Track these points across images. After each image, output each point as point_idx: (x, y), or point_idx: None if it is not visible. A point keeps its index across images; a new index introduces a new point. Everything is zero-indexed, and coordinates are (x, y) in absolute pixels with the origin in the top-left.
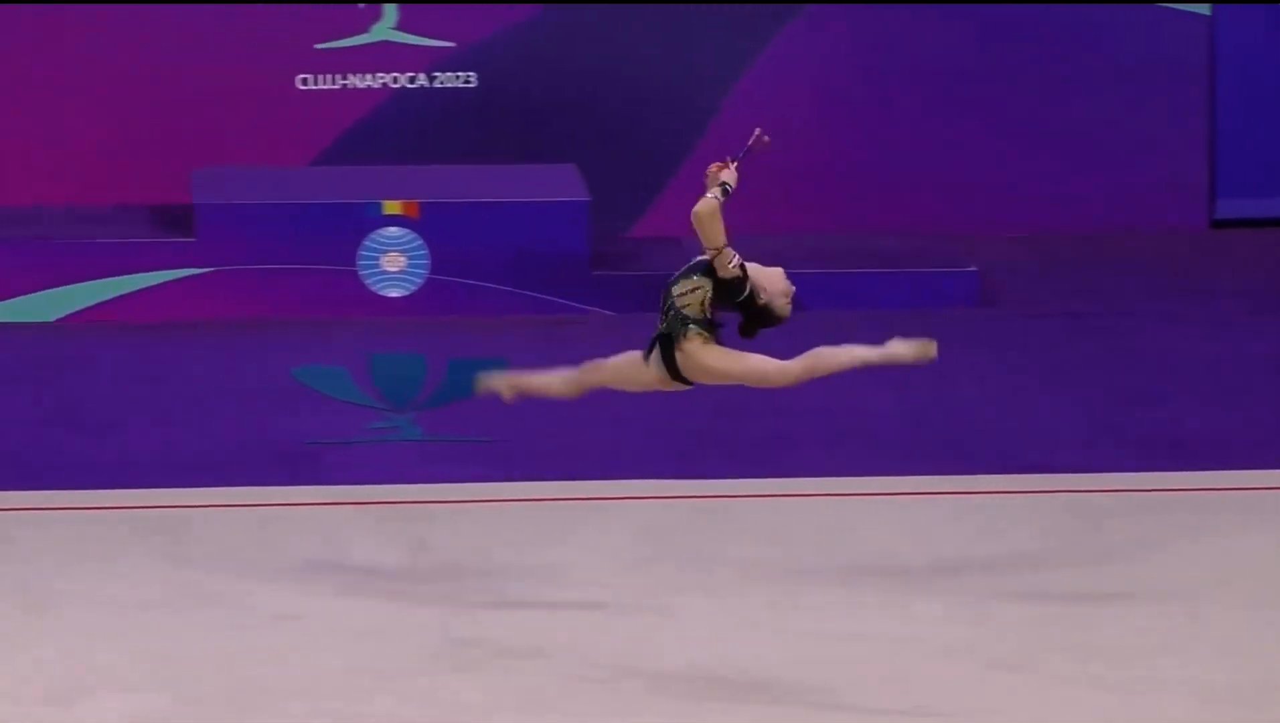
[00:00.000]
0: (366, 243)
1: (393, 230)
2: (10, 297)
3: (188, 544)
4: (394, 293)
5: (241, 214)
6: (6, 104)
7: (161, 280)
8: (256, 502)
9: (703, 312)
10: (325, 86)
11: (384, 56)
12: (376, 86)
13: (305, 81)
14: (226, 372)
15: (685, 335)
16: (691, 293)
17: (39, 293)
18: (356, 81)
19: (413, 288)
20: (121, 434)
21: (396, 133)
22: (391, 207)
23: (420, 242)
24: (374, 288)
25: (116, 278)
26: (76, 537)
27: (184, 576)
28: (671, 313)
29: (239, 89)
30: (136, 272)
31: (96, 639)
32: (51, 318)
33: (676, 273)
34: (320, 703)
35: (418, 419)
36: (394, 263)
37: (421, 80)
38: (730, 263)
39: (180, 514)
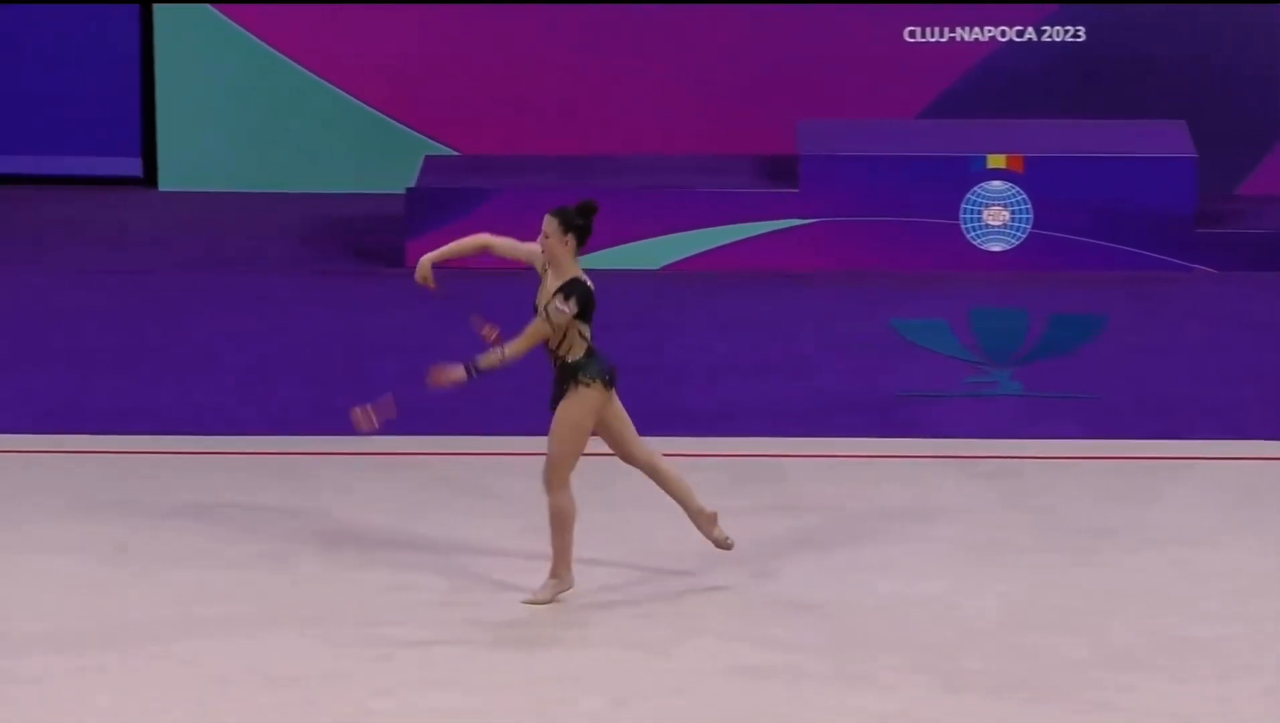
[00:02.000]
0: (969, 196)
1: (996, 184)
2: (618, 243)
3: (787, 492)
4: (996, 247)
5: (845, 166)
6: (620, 57)
7: (764, 230)
8: (851, 452)
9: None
10: (933, 40)
11: (992, 10)
12: (984, 40)
13: (913, 34)
14: (825, 322)
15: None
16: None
17: (645, 241)
18: (964, 35)
19: (1015, 242)
20: (720, 383)
21: (1002, 86)
22: (996, 160)
23: (1024, 196)
24: (976, 242)
25: (720, 227)
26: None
27: (782, 522)
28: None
29: (847, 41)
30: (740, 221)
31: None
32: (657, 265)
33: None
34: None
35: (1017, 374)
36: (997, 217)
37: (1030, 34)
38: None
39: (776, 463)
